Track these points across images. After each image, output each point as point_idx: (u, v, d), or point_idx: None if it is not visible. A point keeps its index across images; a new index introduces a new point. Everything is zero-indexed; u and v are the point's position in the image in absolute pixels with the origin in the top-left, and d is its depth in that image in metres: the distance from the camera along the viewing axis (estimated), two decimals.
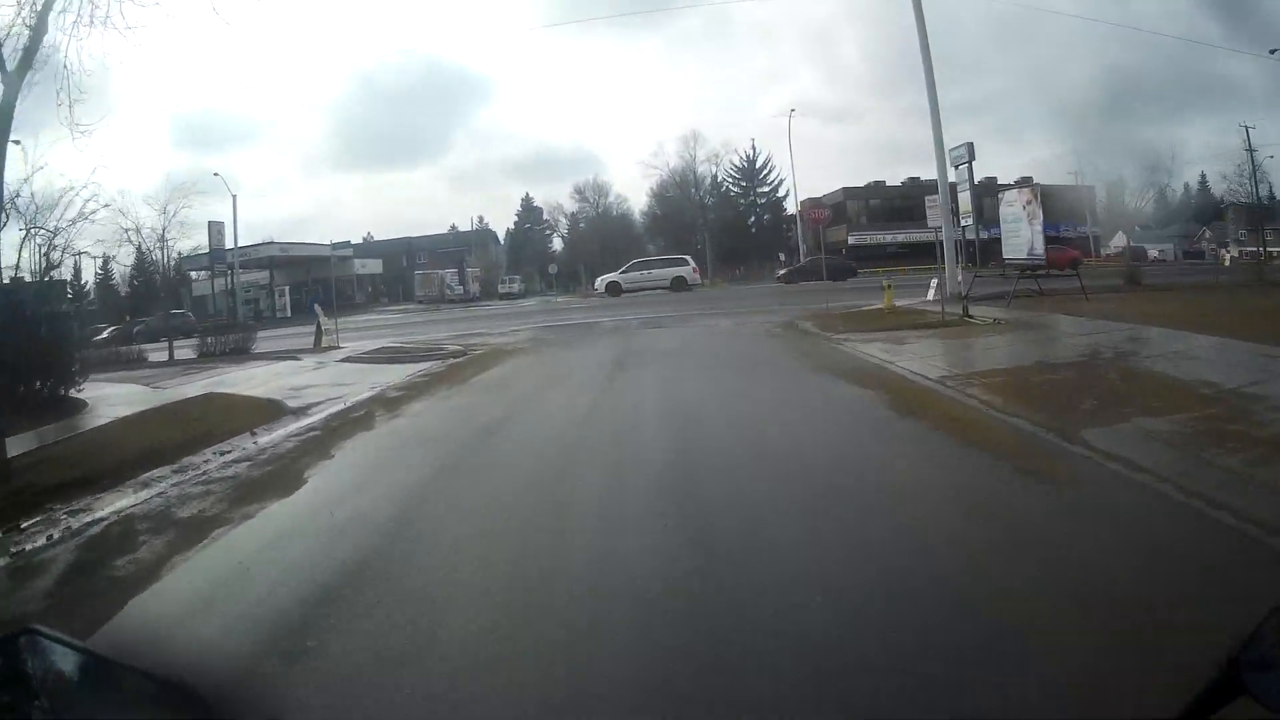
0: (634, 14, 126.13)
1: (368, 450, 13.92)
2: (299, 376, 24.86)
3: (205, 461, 13.45)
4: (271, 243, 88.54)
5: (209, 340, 35.35)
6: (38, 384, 19.86)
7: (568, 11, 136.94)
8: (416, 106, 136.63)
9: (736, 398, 16.37)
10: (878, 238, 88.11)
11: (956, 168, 68.12)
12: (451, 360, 26.86)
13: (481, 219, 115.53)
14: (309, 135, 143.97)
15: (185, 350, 36.10)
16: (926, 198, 39.10)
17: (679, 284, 62.21)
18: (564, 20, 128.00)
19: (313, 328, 38.03)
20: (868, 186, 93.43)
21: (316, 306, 42.51)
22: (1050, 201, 47.76)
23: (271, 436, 15.37)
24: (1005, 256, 34.69)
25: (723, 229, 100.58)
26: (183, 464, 13.27)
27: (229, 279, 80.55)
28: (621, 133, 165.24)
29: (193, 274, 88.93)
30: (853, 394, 15.66)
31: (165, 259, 51.97)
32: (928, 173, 79.07)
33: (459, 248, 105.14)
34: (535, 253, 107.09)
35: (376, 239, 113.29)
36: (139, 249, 54.24)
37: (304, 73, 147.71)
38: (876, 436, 12.22)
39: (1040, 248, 34.44)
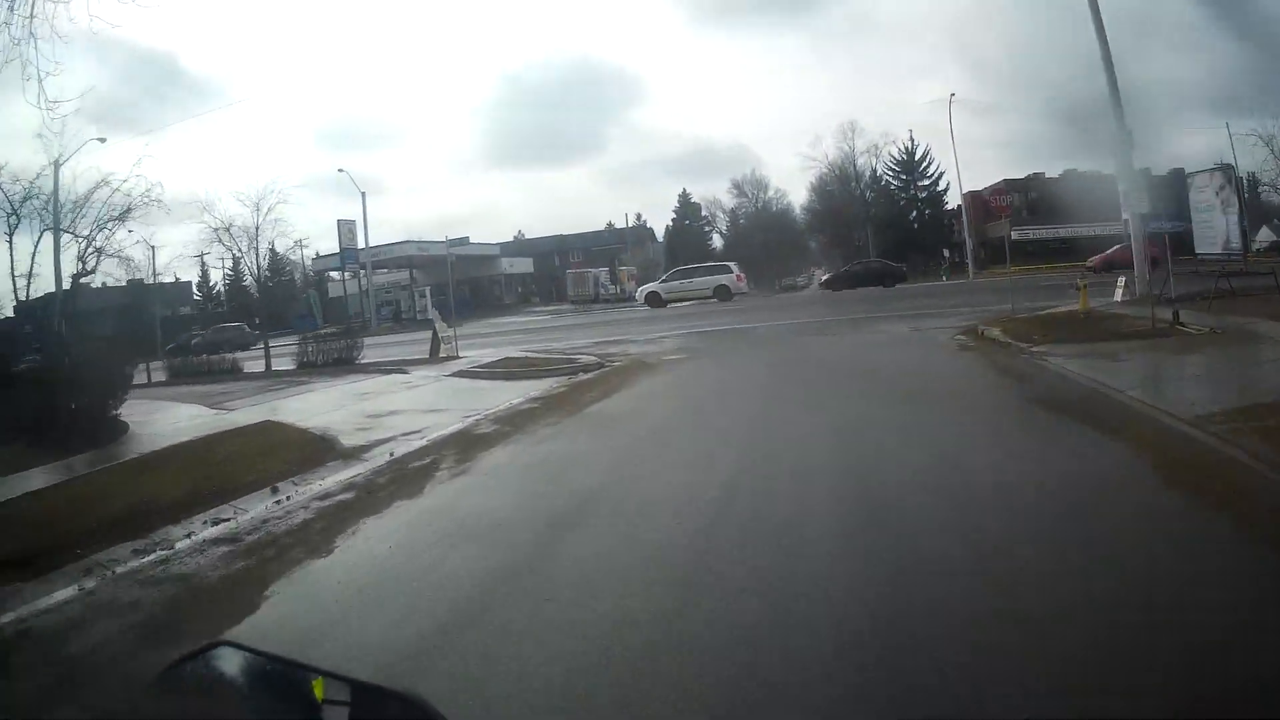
0: (777, 9, 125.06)
1: (377, 553, 8.96)
2: (388, 398, 21.53)
3: (187, 535, 10.06)
4: (408, 241, 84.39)
5: (310, 349, 31.69)
6: (73, 404, 17.47)
7: (710, 8, 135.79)
8: (570, 105, 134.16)
9: (935, 455, 10.79)
10: (1039, 233, 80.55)
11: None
12: (577, 377, 22.80)
13: (639, 216, 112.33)
14: (462, 136, 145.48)
15: (285, 360, 32.47)
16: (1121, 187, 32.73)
17: (722, 293, 56.58)
18: (707, 16, 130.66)
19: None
20: (1028, 179, 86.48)
21: (433, 311, 38.62)
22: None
23: (293, 497, 11.56)
24: (1197, 252, 28.91)
25: (884, 224, 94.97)
26: (147, 541, 9.80)
27: (361, 279, 79.13)
28: (777, 128, 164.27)
29: (332, 274, 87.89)
30: (1096, 451, 10.54)
31: (257, 259, 48.01)
32: (1085, 164, 74.31)
33: (614, 245, 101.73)
34: (694, 250, 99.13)
35: (529, 237, 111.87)
36: (234, 251, 49.91)
37: (454, 71, 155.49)
38: (1179, 554, 6.79)
39: (1238, 240, 29.48)
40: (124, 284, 44.30)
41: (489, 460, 13.28)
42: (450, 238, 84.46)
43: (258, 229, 42.57)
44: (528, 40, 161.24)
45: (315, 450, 14.59)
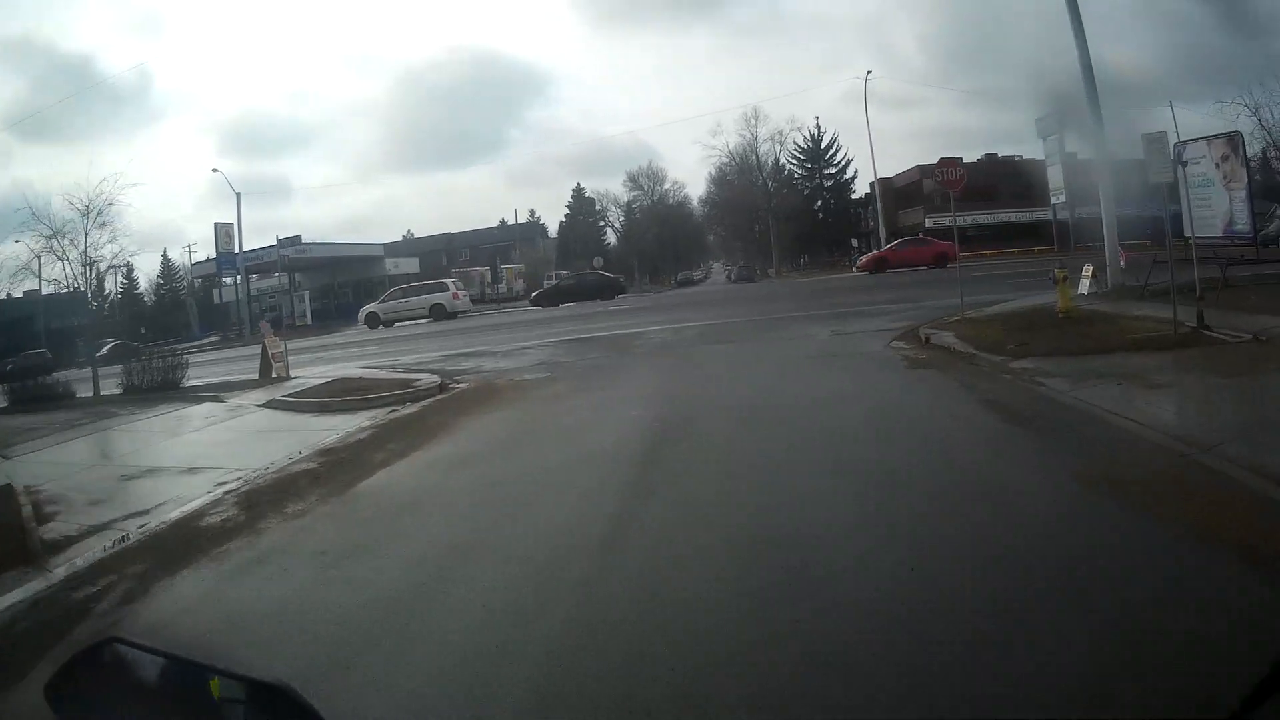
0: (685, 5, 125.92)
1: None
2: (171, 443, 17.08)
3: None
4: (284, 243, 77.88)
5: (135, 372, 25.53)
6: None
7: (615, 5, 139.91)
8: (472, 104, 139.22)
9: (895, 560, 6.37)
10: (958, 220, 74.92)
11: (1045, 139, 61.27)
12: (402, 409, 17.50)
13: (533, 213, 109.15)
14: (366, 138, 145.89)
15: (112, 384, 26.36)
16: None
17: (437, 311, 52.69)
18: (612, 13, 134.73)
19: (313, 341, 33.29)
20: (941, 163, 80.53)
21: (263, 324, 32.76)
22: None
23: None
24: (1194, 234, 22.78)
25: (787, 215, 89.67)
26: None
27: (237, 285, 74.61)
28: (682, 127, 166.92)
29: (226, 280, 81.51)
30: None
31: (88, 270, 42.58)
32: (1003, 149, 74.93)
33: (503, 243, 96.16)
34: (588, 247, 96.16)
35: (419, 236, 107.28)
36: (63, 258, 44.60)
37: (357, 73, 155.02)
38: None
39: (1246, 220, 24.61)
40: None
41: (166, 598, 7.63)
42: (338, 240, 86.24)
43: (86, 234, 37.53)
44: (430, 39, 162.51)
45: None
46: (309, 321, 71.77)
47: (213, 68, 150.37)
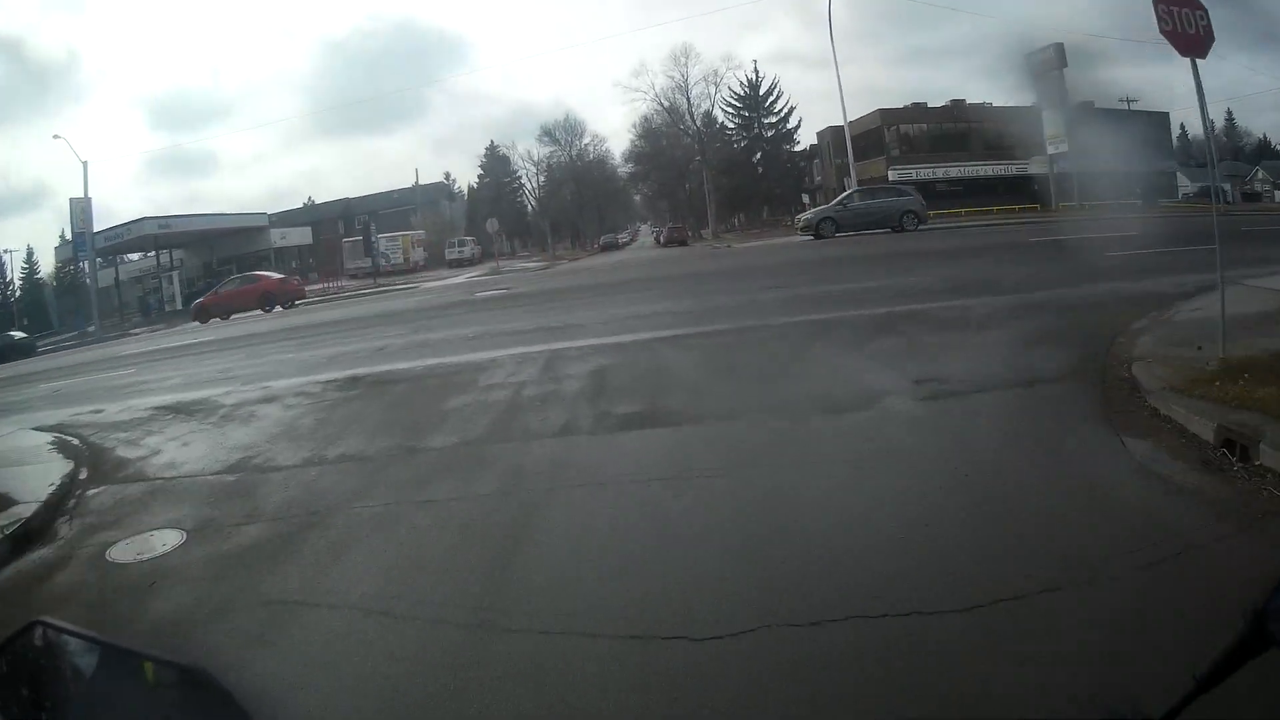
0: None
1: None
2: None
3: None
4: (146, 218, 67.61)
5: None
6: None
7: None
8: (390, 70, 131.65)
9: None
10: (924, 173, 62.65)
11: (1039, 79, 55.03)
12: None
13: (448, 175, 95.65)
14: (289, 107, 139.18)
15: None
16: None
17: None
18: None
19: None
20: (909, 109, 68.33)
21: None
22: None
23: None
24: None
25: (723, 169, 76.10)
26: None
27: (90, 269, 64.08)
28: (603, 82, 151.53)
29: (131, 257, 74.11)
30: None
31: None
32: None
33: (404, 206, 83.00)
34: (501, 210, 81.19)
35: (319, 203, 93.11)
36: None
37: (279, 41, 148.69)
38: None
39: None
40: None
41: None
42: (218, 211, 75.51)
43: None
44: (351, 5, 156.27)
45: None
46: (179, 306, 61.46)
47: (129, 42, 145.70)
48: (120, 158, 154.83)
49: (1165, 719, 1.43)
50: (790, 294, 18.68)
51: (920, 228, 38.04)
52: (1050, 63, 55.36)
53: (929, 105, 68.76)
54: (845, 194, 44.77)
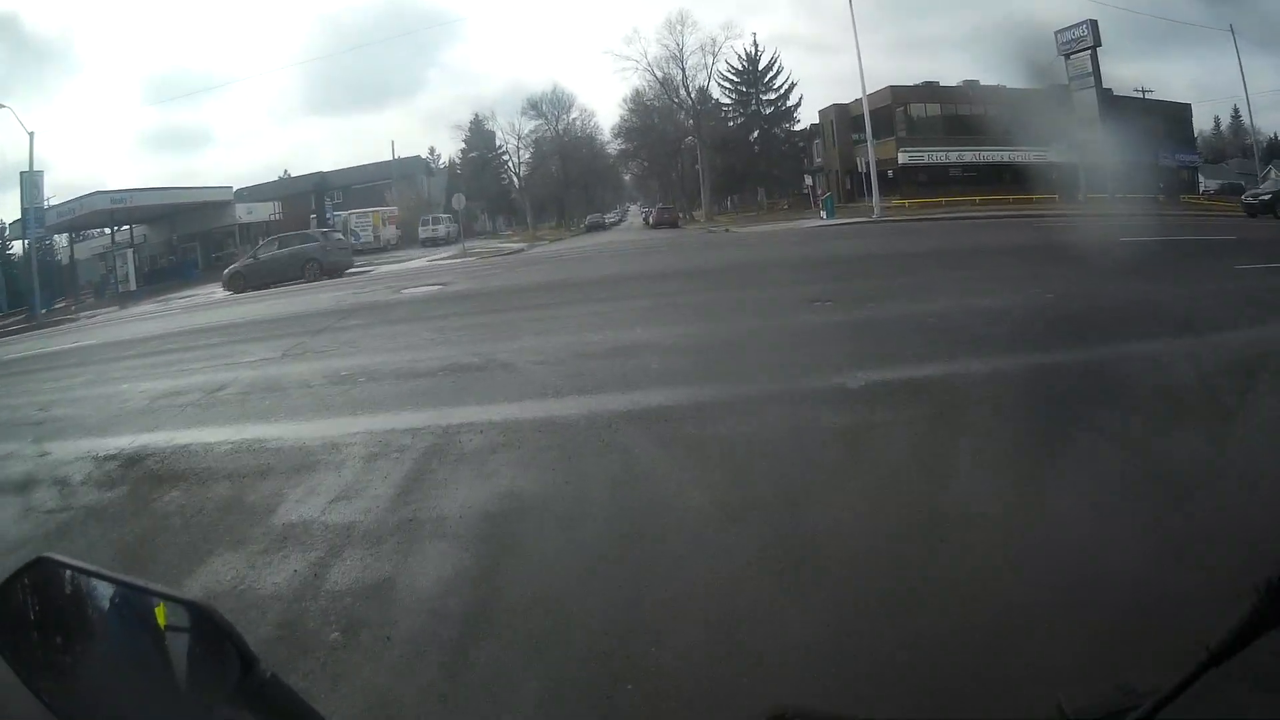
0: None
1: None
2: None
3: None
4: (98, 193, 61.63)
5: None
6: None
7: None
8: (386, 46, 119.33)
9: None
10: (936, 156, 58.64)
11: (1068, 58, 51.21)
12: None
13: (432, 150, 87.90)
14: (283, 82, 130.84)
15: None
16: None
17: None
18: None
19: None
20: (922, 87, 62.34)
21: None
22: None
23: None
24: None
25: (718, 146, 69.99)
26: None
27: (32, 245, 57.09)
28: (597, 62, 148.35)
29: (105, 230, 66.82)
30: None
31: None
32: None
33: (378, 181, 75.77)
34: (486, 186, 77.64)
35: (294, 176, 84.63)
36: None
37: (273, 15, 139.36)
38: None
39: None
40: None
41: None
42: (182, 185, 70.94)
43: None
44: None
45: None
46: (132, 286, 57.25)
47: (119, 15, 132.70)
48: (107, 135, 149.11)
49: (1177, 690, 1.30)
50: (850, 312, 12.64)
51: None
52: (1081, 40, 50.53)
53: (940, 84, 62.54)
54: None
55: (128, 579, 1.46)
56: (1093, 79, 49.50)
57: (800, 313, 12.76)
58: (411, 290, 24.44)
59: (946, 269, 17.25)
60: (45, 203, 56.58)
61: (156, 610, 1.42)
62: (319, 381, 11.30)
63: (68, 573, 1.48)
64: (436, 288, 24.64)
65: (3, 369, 20.67)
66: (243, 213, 69.53)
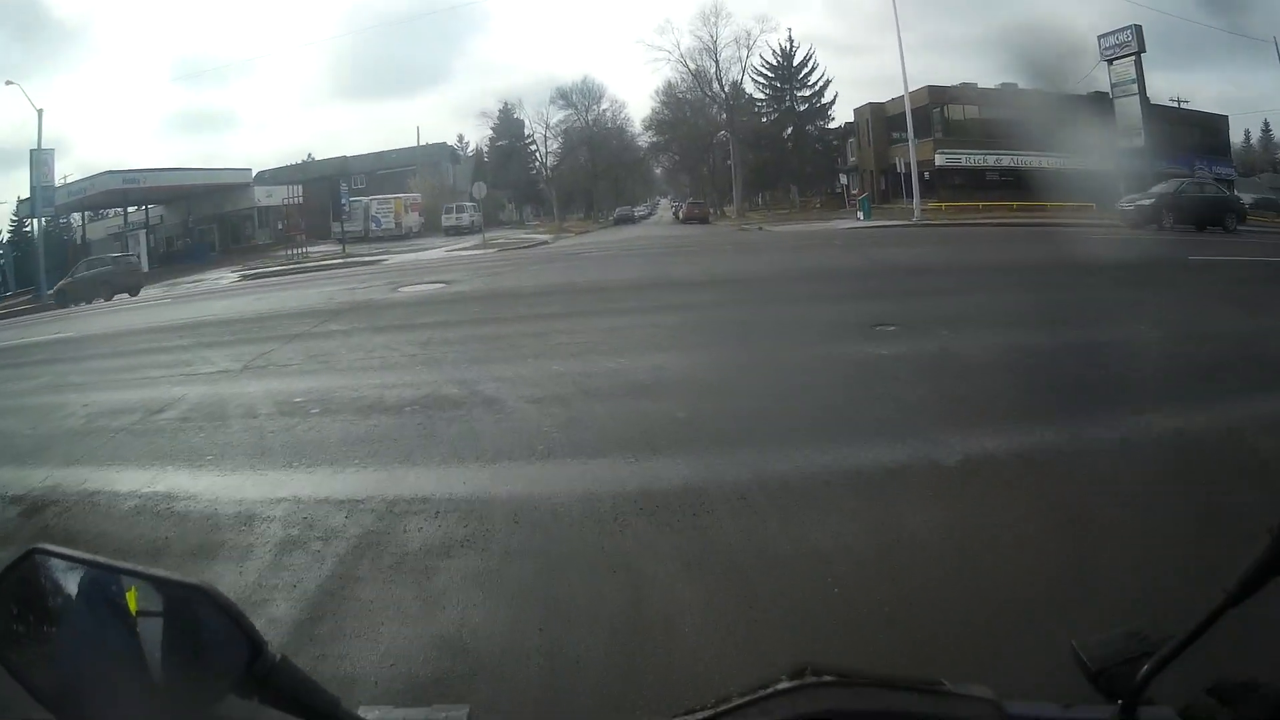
0: None
1: None
2: None
3: None
4: (110, 172, 59.98)
5: None
6: None
7: None
8: (412, 32, 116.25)
9: None
10: (974, 159, 57.06)
11: (1111, 63, 50.54)
12: None
13: (461, 138, 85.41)
14: (312, 67, 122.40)
15: None
16: None
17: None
18: None
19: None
20: (961, 88, 60.74)
21: None
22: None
23: None
24: None
25: (752, 142, 68.57)
26: None
27: (40, 225, 57.49)
28: (628, 52, 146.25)
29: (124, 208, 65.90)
30: None
31: None
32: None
33: (406, 167, 74.18)
34: (514, 175, 76.18)
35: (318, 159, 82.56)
36: None
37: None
38: None
39: None
40: None
41: None
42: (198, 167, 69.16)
43: None
44: None
45: None
46: (144, 267, 53.27)
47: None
48: (132, 116, 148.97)
49: (1195, 634, 1.30)
50: (920, 341, 10.45)
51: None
52: (1125, 46, 49.31)
53: (979, 86, 60.86)
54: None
55: (125, 565, 1.38)
56: (1136, 85, 48.33)
57: (860, 340, 10.49)
58: (411, 288, 22.39)
59: (1018, 288, 14.72)
60: (60, 180, 56.22)
61: (157, 596, 1.34)
62: (266, 409, 9.35)
63: (60, 562, 1.41)
64: (439, 286, 22.44)
65: None
66: (261, 196, 68.15)
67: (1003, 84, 59.52)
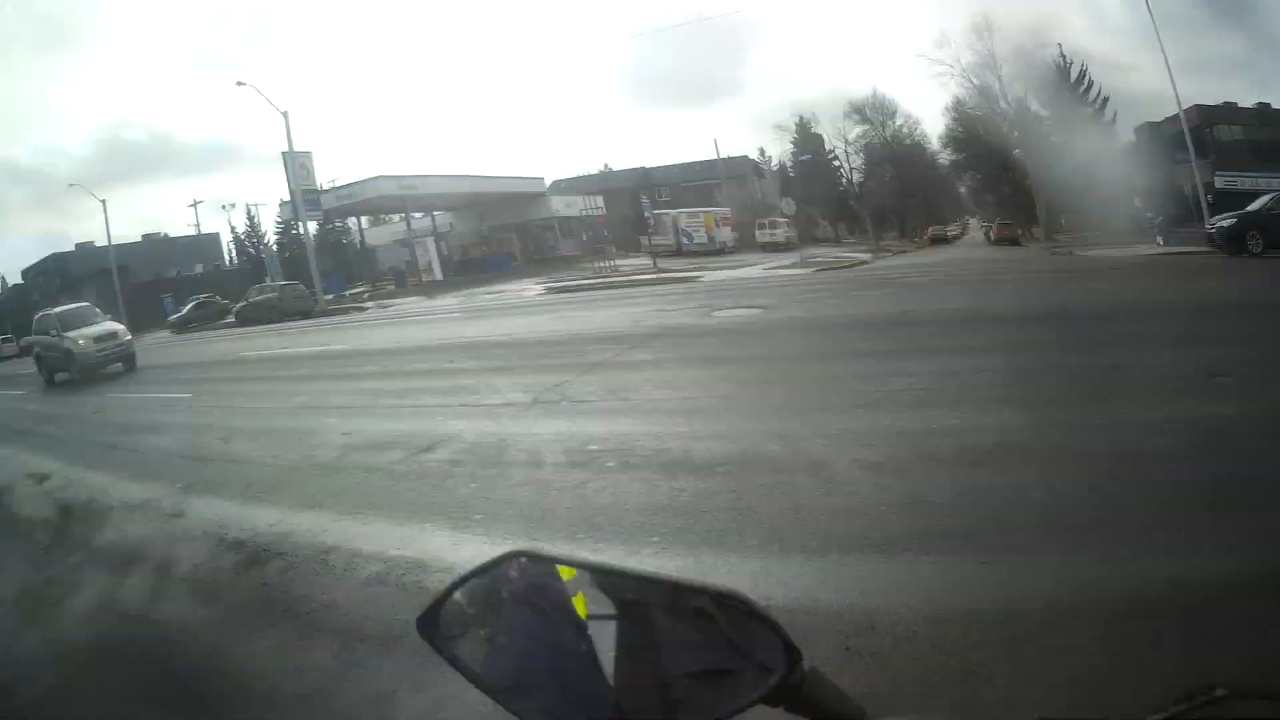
0: None
1: None
2: None
3: None
4: (380, 177, 58.25)
5: None
6: None
7: None
8: (702, 43, 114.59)
9: None
10: (1257, 182, 51.69)
11: None
12: None
13: (763, 151, 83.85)
14: (593, 68, 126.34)
15: None
16: None
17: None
18: None
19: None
20: (1224, 108, 56.16)
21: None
22: None
23: None
24: None
25: (1042, 162, 64.96)
26: None
27: (306, 230, 57.64)
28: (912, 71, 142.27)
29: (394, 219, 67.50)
30: None
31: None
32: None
33: (708, 181, 73.38)
34: (825, 191, 74.07)
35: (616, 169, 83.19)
36: None
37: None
38: None
39: None
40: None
41: None
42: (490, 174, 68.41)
43: None
44: None
45: None
46: (437, 275, 56.53)
47: None
48: (401, 122, 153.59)
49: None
50: None
51: None
52: None
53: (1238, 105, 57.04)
54: None
55: (620, 567, 1.40)
56: None
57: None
58: (727, 312, 20.89)
59: None
60: (329, 183, 56.89)
61: (685, 601, 1.34)
62: (554, 458, 8.53)
63: (540, 566, 1.45)
64: (756, 312, 20.86)
65: (229, 371, 20.14)
66: (560, 205, 68.51)
67: (1258, 103, 56.19)
